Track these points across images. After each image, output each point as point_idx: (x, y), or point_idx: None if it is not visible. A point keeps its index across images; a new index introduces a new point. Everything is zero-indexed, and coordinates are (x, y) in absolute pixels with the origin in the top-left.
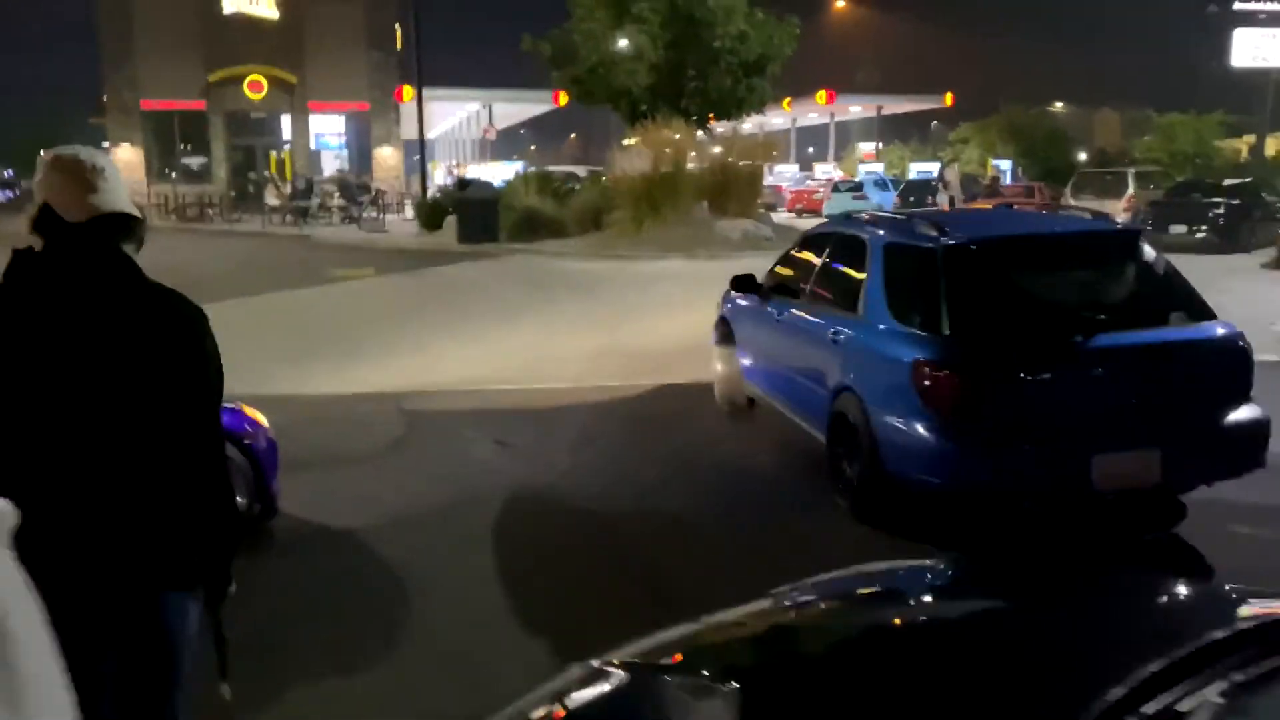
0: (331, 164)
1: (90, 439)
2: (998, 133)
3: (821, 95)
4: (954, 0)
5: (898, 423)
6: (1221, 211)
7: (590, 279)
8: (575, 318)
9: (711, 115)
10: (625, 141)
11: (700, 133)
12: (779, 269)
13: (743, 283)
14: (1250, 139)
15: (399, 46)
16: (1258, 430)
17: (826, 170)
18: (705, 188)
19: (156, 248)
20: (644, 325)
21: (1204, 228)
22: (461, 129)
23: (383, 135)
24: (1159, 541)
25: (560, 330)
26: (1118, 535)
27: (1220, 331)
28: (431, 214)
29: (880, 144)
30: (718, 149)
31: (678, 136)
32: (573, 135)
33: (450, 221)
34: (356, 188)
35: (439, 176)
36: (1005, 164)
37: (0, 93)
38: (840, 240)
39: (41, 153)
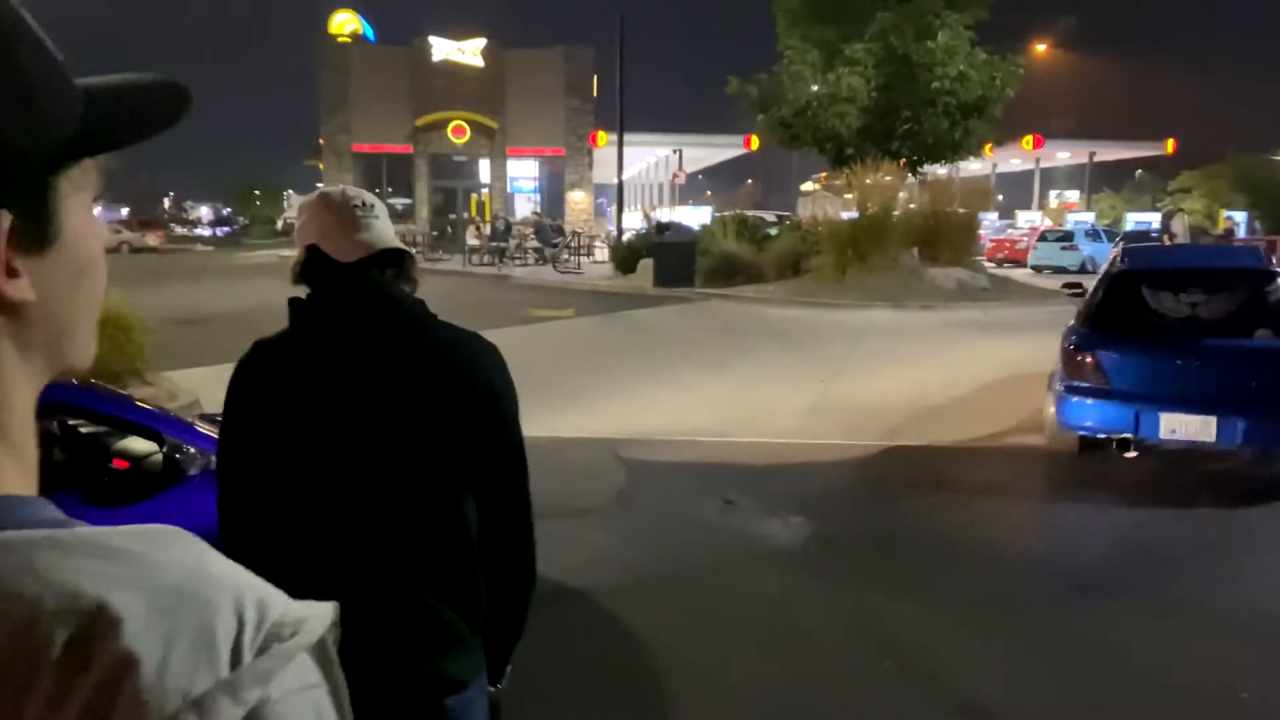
0: (524, 207)
1: (380, 514)
2: (1227, 182)
3: (1028, 140)
4: (1170, 42)
5: None
6: None
7: (793, 327)
8: (783, 368)
9: (918, 158)
10: (807, 187)
11: (910, 177)
12: None
13: None
14: None
15: (595, 94)
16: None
17: (1030, 218)
18: (915, 234)
19: None
20: (858, 379)
21: None
22: (650, 173)
23: (575, 179)
24: None
25: (769, 380)
26: None
27: None
28: (627, 257)
29: (1081, 192)
30: (927, 194)
31: (887, 179)
32: (749, 180)
33: (644, 264)
34: (551, 229)
35: (632, 220)
36: (1240, 215)
37: (217, 133)
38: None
39: (289, 194)
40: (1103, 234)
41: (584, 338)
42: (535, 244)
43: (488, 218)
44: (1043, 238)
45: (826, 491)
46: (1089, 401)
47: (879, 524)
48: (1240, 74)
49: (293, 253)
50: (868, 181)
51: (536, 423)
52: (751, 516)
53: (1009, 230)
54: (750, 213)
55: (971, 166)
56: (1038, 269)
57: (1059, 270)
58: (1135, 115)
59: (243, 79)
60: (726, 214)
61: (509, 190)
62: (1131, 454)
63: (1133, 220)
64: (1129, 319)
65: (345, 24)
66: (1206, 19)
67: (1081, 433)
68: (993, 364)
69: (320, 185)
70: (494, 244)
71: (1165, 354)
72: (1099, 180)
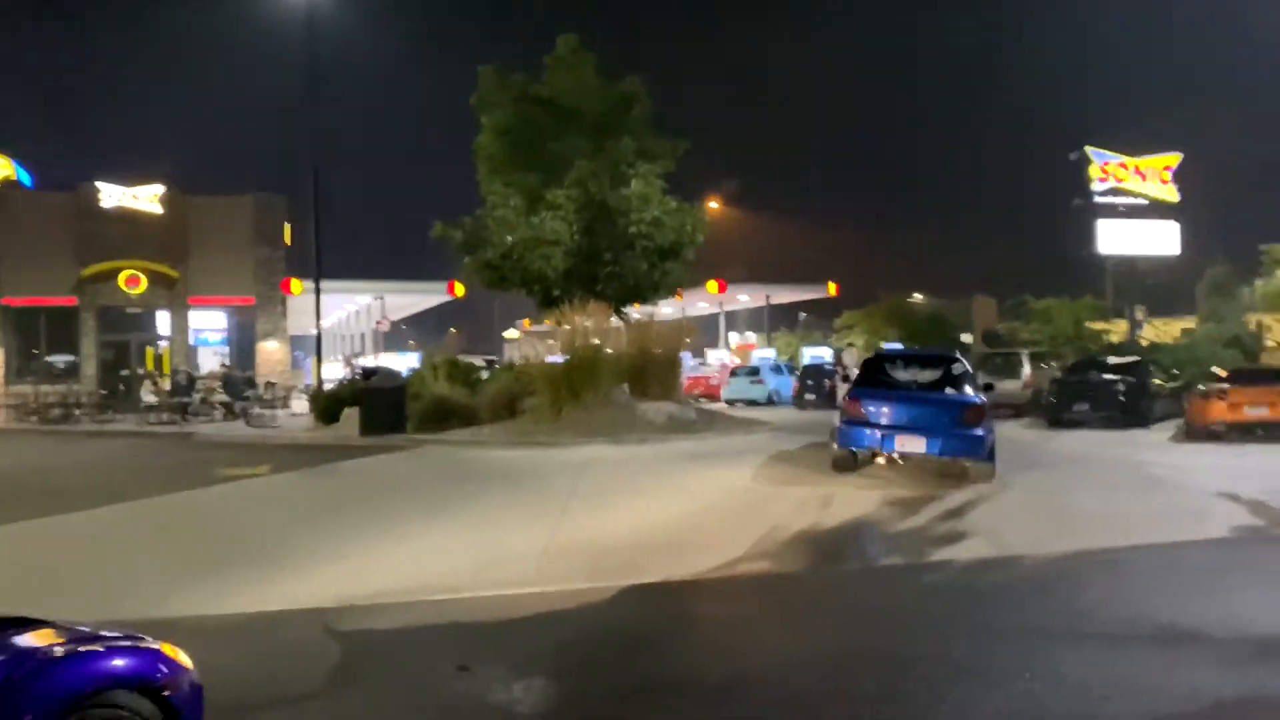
0: (210, 360)
1: None
2: (882, 318)
3: (713, 285)
4: (829, 199)
5: None
6: (1122, 389)
7: (516, 468)
8: (511, 511)
9: (622, 299)
10: (511, 334)
11: (615, 317)
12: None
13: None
14: (1123, 324)
15: (288, 241)
16: (977, 439)
17: (719, 356)
18: (624, 371)
19: (14, 452)
20: (587, 517)
21: (1105, 405)
22: (351, 322)
23: (269, 329)
24: None
25: (499, 526)
26: None
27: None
28: (329, 406)
29: (760, 332)
30: (633, 333)
31: (589, 323)
32: (452, 329)
33: (349, 413)
34: (242, 381)
35: (333, 370)
36: (897, 347)
37: None
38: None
39: None
40: (784, 368)
41: (288, 495)
42: (224, 398)
43: (166, 371)
44: (733, 373)
45: (572, 643)
46: (856, 430)
47: (628, 674)
48: (884, 227)
49: None
50: (578, 320)
51: (236, 596)
52: (491, 684)
53: (702, 367)
54: (466, 357)
55: (664, 310)
56: (731, 402)
57: (750, 403)
58: (800, 264)
59: None
60: (437, 357)
61: (192, 342)
62: (881, 461)
63: (809, 354)
64: (878, 383)
65: None
66: (852, 181)
67: (853, 449)
68: (715, 492)
69: None
70: (175, 400)
71: (897, 402)
72: (775, 320)
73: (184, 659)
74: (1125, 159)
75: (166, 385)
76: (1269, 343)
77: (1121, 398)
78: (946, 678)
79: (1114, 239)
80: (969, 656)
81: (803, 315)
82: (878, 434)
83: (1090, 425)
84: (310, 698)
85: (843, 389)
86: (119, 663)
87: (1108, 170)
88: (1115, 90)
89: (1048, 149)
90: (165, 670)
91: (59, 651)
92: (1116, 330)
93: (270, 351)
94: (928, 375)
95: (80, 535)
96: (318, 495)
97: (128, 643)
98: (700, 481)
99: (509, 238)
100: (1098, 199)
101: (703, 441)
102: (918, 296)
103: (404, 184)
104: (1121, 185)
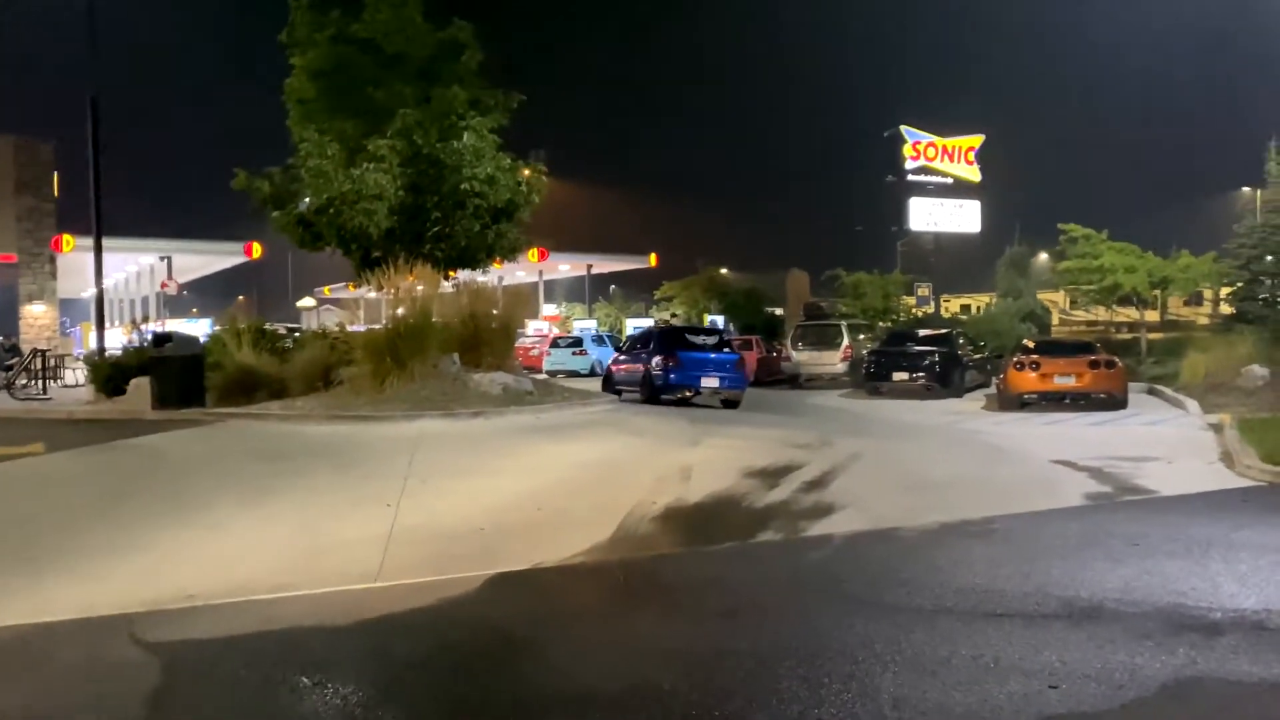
0: None
1: None
2: (700, 290)
3: (534, 253)
4: (650, 170)
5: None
6: (937, 360)
7: (339, 445)
8: (340, 494)
9: (446, 266)
10: (306, 302)
11: (445, 282)
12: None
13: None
14: (925, 290)
15: (56, 194)
16: (740, 379)
17: (539, 326)
18: (453, 340)
19: None
20: (430, 498)
21: (922, 375)
22: (130, 285)
23: (34, 290)
24: None
25: (329, 510)
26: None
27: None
28: (113, 376)
29: (582, 303)
30: (464, 299)
31: (420, 286)
32: (241, 297)
33: (137, 384)
34: (5, 349)
35: (113, 337)
36: (719, 319)
37: None
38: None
39: None
40: (607, 339)
41: (70, 478)
42: None
43: None
44: (555, 344)
45: (438, 647)
46: (674, 376)
47: (511, 683)
48: (704, 200)
49: None
50: (406, 284)
51: (9, 605)
52: (345, 703)
53: (521, 338)
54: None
55: (480, 278)
56: (552, 374)
57: (572, 374)
58: (619, 234)
59: None
60: (240, 323)
61: None
62: (691, 395)
63: (632, 325)
64: (681, 345)
65: None
66: (674, 151)
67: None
68: (565, 468)
69: None
70: None
71: (699, 357)
72: (595, 291)
73: None
74: (935, 139)
75: None
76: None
77: (937, 368)
78: (879, 669)
79: (924, 216)
80: (891, 645)
81: (613, 287)
82: (691, 377)
83: (910, 395)
84: None
85: None
86: None
87: (919, 149)
88: (930, 73)
89: (871, 127)
90: None
91: None
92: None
93: (37, 315)
94: (708, 340)
95: None
96: (107, 478)
97: None
98: (548, 457)
99: (326, 191)
100: (910, 177)
101: (541, 414)
102: (724, 271)
103: (194, 129)
104: (931, 164)
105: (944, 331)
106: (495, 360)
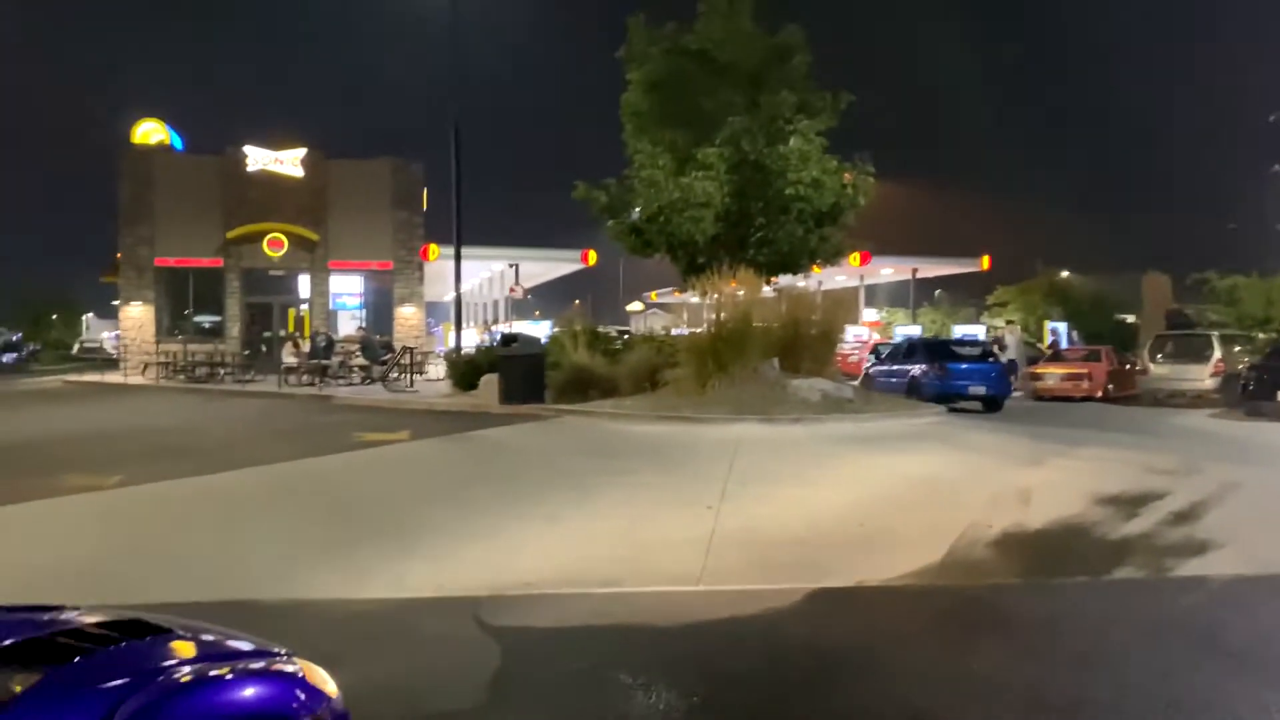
0: (348, 323)
1: None
2: (1041, 296)
3: (855, 257)
4: (981, 167)
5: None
6: None
7: (664, 445)
8: (662, 492)
9: (772, 267)
10: (634, 306)
11: (766, 287)
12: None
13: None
14: None
15: (425, 207)
16: (1005, 385)
17: (858, 333)
18: (773, 345)
19: (158, 409)
20: (748, 503)
21: None
22: (481, 290)
23: (405, 294)
24: None
25: (652, 509)
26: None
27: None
28: (466, 372)
29: (905, 308)
30: (784, 304)
31: (740, 292)
32: (577, 301)
33: (487, 380)
34: (381, 346)
35: (468, 336)
36: (1060, 326)
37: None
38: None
39: (88, 318)
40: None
41: (427, 464)
42: (362, 361)
43: (307, 334)
44: (875, 351)
45: (762, 660)
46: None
47: (840, 705)
48: (1037, 200)
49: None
50: (729, 289)
51: (372, 579)
52: (671, 711)
53: (840, 344)
54: (605, 327)
55: (799, 283)
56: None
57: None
58: (947, 235)
59: (33, 193)
60: (576, 325)
61: (331, 306)
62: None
63: (959, 332)
64: (947, 356)
65: (151, 134)
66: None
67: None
68: (888, 481)
69: (116, 303)
70: (314, 362)
71: (961, 368)
72: (919, 296)
73: (327, 684)
74: None
75: (306, 347)
76: None
77: None
78: None
79: None
80: None
81: (938, 291)
82: (957, 386)
83: None
84: (464, 714)
85: None
86: (250, 693)
87: None
88: None
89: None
90: (304, 700)
91: (184, 675)
92: None
93: (406, 316)
94: (973, 352)
95: (209, 501)
96: (459, 466)
97: (261, 662)
98: (869, 469)
99: (656, 200)
100: None
101: (862, 423)
102: (1065, 274)
103: (535, 147)
104: None
105: None
106: (814, 366)
